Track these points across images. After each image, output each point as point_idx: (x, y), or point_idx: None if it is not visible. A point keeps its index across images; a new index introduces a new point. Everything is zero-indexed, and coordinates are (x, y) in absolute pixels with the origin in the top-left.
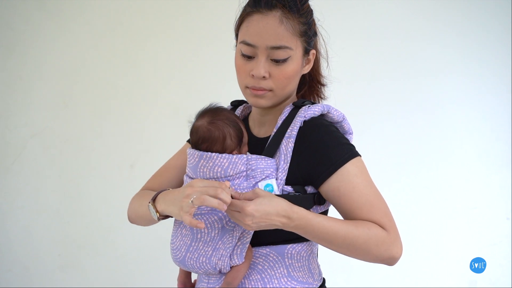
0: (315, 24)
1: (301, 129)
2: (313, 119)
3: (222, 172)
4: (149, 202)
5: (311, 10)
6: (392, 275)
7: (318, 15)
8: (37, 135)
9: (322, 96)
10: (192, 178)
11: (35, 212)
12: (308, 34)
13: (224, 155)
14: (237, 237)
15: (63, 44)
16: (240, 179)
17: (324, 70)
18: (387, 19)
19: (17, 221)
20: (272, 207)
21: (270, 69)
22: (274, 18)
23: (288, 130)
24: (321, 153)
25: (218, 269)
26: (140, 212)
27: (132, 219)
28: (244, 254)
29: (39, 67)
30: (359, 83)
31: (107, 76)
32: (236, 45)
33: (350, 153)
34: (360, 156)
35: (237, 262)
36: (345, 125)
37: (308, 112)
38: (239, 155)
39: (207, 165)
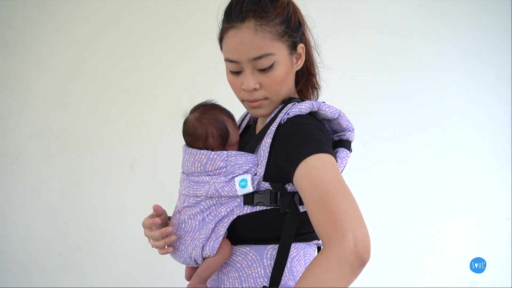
0: (295, 17)
1: (280, 126)
2: (295, 117)
3: (201, 167)
4: None
5: (286, 5)
6: (392, 275)
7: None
8: (37, 135)
9: (317, 86)
10: (182, 172)
11: (35, 212)
12: (289, 32)
13: (203, 151)
14: (211, 229)
15: (63, 44)
16: (220, 175)
17: (316, 58)
18: (387, 18)
19: (17, 221)
20: None
21: (259, 79)
22: (248, 30)
23: (271, 127)
24: (289, 148)
25: (193, 259)
26: None
27: None
28: (216, 246)
29: (39, 67)
30: (359, 83)
31: (107, 76)
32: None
33: (318, 148)
34: (331, 154)
35: (209, 254)
36: (342, 122)
37: (292, 109)
38: (219, 152)
39: (189, 159)
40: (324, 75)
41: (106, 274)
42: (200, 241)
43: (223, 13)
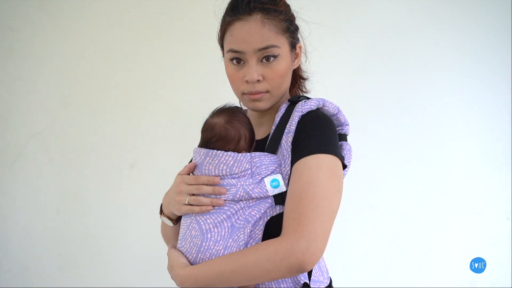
0: (295, 18)
1: (299, 123)
2: (310, 112)
3: (228, 170)
4: (160, 214)
5: (288, 5)
6: (392, 275)
7: (299, 10)
8: (37, 135)
9: (304, 90)
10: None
11: (35, 212)
12: (291, 29)
13: (229, 153)
14: (248, 234)
15: (63, 44)
16: (246, 177)
17: (303, 64)
18: (387, 18)
19: (17, 221)
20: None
21: (262, 72)
22: (256, 22)
23: (287, 126)
24: (299, 141)
25: None
26: (162, 227)
27: (164, 238)
28: None
29: (39, 67)
30: (359, 83)
31: (107, 76)
32: (223, 56)
33: (322, 148)
34: (336, 156)
35: None
36: (340, 117)
37: (305, 106)
38: (244, 153)
39: (212, 162)
40: (325, 75)
41: (106, 274)
42: (240, 248)
43: (228, 7)
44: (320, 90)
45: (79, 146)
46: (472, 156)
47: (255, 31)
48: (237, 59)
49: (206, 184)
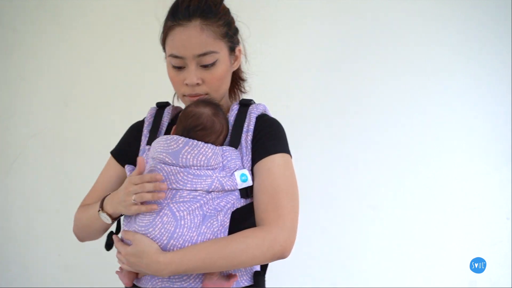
0: (234, 21)
1: (256, 123)
2: (264, 116)
3: (206, 161)
4: (99, 210)
5: (228, 9)
6: (392, 275)
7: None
8: (37, 135)
9: (243, 90)
10: (169, 164)
11: (35, 212)
12: (229, 34)
13: (209, 145)
14: (221, 222)
15: (63, 44)
16: (218, 169)
17: (243, 65)
18: (387, 18)
19: (17, 221)
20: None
21: (201, 75)
22: (195, 28)
23: (245, 125)
24: (262, 141)
25: None
26: (88, 222)
27: (81, 236)
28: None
29: (40, 67)
30: (360, 83)
31: (107, 76)
32: (166, 57)
33: (285, 148)
34: (291, 156)
35: None
36: None
37: (258, 109)
38: (219, 147)
39: (192, 152)
40: (326, 76)
41: (106, 274)
42: (214, 234)
43: (170, 11)
44: (319, 89)
45: (79, 146)
46: (472, 156)
47: (194, 37)
48: (178, 67)
49: (149, 182)
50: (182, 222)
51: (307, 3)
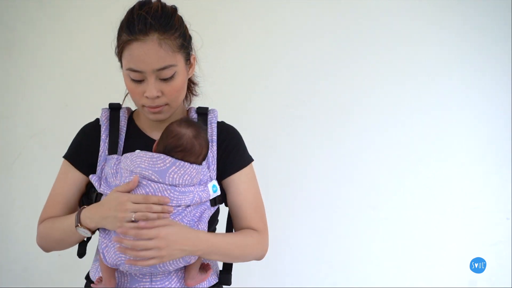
0: (188, 30)
1: (219, 133)
2: (222, 123)
3: (190, 180)
4: (76, 225)
5: (180, 19)
6: (392, 275)
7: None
8: (37, 135)
9: (195, 93)
10: (154, 181)
11: (35, 212)
12: (185, 44)
13: (193, 165)
14: (202, 229)
15: (63, 44)
16: (197, 184)
17: (197, 70)
18: (386, 19)
19: (17, 221)
20: (182, 234)
21: (161, 88)
22: (153, 43)
23: (208, 135)
24: (231, 151)
25: (187, 260)
26: (63, 236)
27: (49, 248)
28: None
29: (39, 67)
30: (360, 84)
31: (107, 76)
32: (121, 67)
33: (250, 157)
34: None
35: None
36: None
37: (215, 116)
38: (200, 166)
39: (178, 172)
40: (326, 76)
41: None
42: None
43: (124, 24)
44: (319, 89)
45: None
46: (472, 156)
47: (152, 52)
48: (136, 80)
49: (156, 204)
50: None
51: (308, 2)
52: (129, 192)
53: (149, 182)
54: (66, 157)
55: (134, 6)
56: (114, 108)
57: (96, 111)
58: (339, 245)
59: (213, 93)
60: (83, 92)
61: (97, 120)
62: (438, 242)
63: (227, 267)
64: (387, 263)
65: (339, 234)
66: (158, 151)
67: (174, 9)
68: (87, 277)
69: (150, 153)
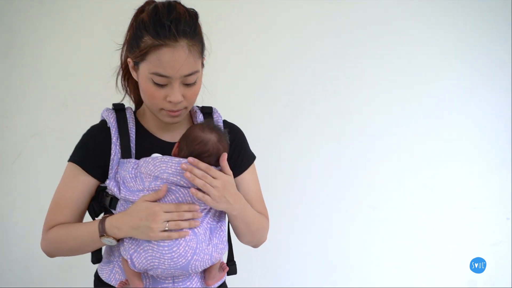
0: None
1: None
2: (226, 122)
3: None
4: (101, 236)
5: (200, 25)
6: (392, 275)
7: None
8: (37, 135)
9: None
10: (184, 186)
11: (35, 212)
12: (203, 50)
13: (217, 168)
14: (224, 230)
15: (63, 44)
16: None
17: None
18: (387, 20)
19: (17, 221)
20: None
21: (183, 92)
22: (183, 49)
23: None
24: (240, 150)
25: (213, 261)
26: (80, 245)
27: (57, 254)
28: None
29: (39, 67)
30: (361, 84)
31: (107, 76)
32: (134, 65)
33: (253, 154)
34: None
35: (226, 250)
36: None
37: (220, 116)
38: (219, 167)
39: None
40: (326, 76)
41: None
42: (224, 243)
43: (150, 26)
44: (320, 89)
45: None
46: (472, 157)
47: (182, 58)
48: (162, 82)
49: (188, 211)
50: (201, 238)
51: (309, 2)
52: (157, 200)
53: (178, 187)
54: (74, 160)
55: (159, 8)
56: (118, 109)
57: (96, 111)
58: (339, 245)
59: (213, 92)
60: (83, 92)
61: (103, 122)
62: (438, 242)
63: (230, 258)
64: (387, 263)
65: (339, 234)
66: (182, 156)
67: (196, 15)
68: (97, 277)
69: (176, 159)
